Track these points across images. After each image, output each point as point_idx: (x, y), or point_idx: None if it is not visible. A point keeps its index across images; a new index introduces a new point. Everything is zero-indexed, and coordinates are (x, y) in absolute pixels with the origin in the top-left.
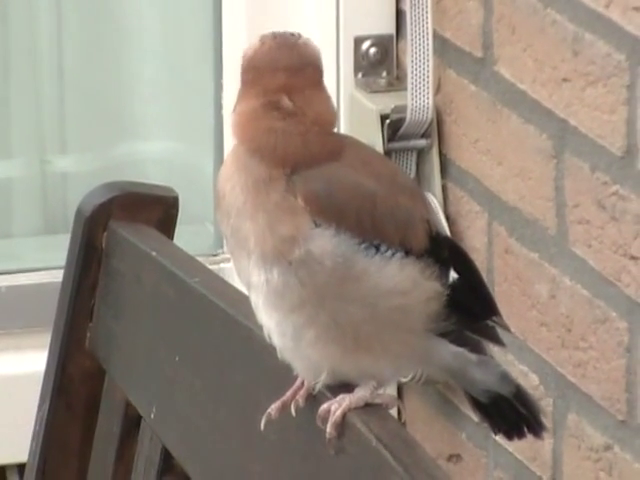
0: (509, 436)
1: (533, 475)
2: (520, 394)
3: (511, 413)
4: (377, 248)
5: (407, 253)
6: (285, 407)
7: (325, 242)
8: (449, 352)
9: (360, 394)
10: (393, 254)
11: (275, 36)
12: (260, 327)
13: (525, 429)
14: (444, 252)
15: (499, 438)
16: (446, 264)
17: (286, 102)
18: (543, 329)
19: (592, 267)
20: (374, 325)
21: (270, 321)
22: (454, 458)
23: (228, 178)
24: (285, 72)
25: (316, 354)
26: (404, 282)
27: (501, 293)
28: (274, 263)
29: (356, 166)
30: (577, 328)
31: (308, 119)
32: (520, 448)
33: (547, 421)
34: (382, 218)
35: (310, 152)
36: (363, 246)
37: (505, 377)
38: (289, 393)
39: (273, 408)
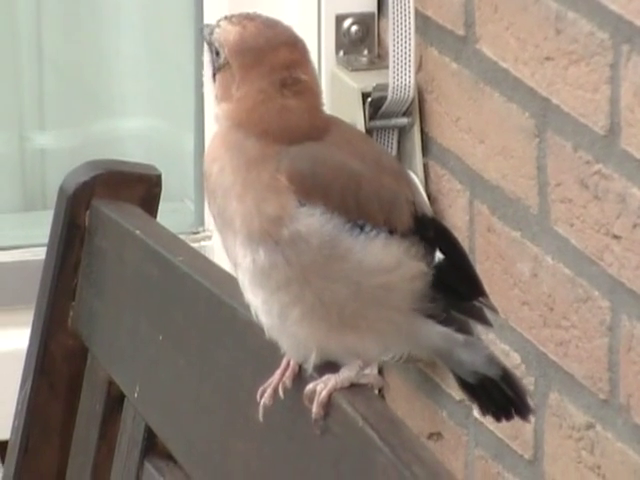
0: (497, 418)
1: (514, 453)
2: (507, 376)
3: (498, 395)
4: (361, 228)
5: (391, 233)
6: (276, 391)
7: (311, 221)
8: (435, 332)
9: (346, 374)
10: (377, 233)
11: (249, 17)
12: (245, 306)
13: (512, 411)
14: (429, 233)
15: (480, 416)
16: (432, 245)
17: (302, 76)
18: (525, 308)
19: (574, 246)
20: (359, 303)
21: (256, 300)
22: (435, 436)
23: (216, 158)
24: (286, 48)
25: (302, 332)
26: (388, 260)
27: (483, 272)
28: (260, 243)
29: (341, 146)
30: (559, 307)
31: (316, 95)
32: (501, 427)
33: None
34: (367, 198)
35: (313, 128)
36: (348, 225)
37: (492, 359)
38: (277, 376)
39: (266, 397)
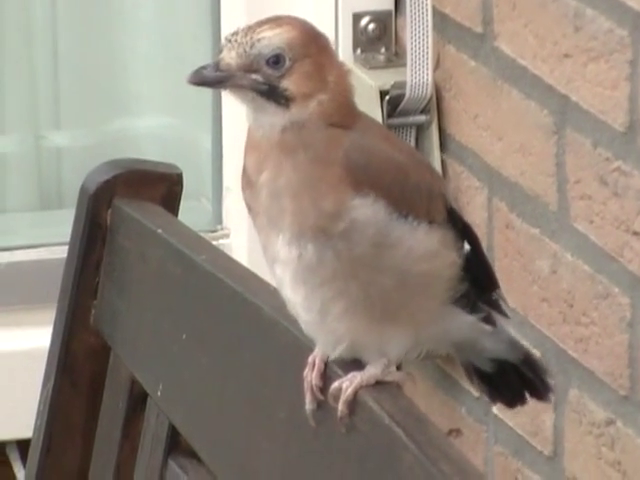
0: (510, 404)
1: (534, 450)
2: (528, 360)
3: (515, 379)
4: (405, 217)
5: (430, 223)
6: (313, 393)
7: (366, 211)
8: (466, 321)
9: (371, 372)
10: (419, 223)
11: (269, 20)
12: (270, 304)
13: (527, 394)
14: (459, 224)
15: (500, 412)
16: (460, 235)
17: None
18: (544, 305)
19: (594, 243)
20: (403, 293)
21: (296, 296)
22: (454, 433)
23: (266, 159)
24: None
25: (342, 327)
26: (431, 248)
27: (502, 269)
28: (311, 239)
29: (382, 138)
30: (579, 304)
31: None
32: (521, 423)
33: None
34: (411, 190)
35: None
36: (395, 215)
37: (514, 344)
38: (308, 378)
39: (308, 404)
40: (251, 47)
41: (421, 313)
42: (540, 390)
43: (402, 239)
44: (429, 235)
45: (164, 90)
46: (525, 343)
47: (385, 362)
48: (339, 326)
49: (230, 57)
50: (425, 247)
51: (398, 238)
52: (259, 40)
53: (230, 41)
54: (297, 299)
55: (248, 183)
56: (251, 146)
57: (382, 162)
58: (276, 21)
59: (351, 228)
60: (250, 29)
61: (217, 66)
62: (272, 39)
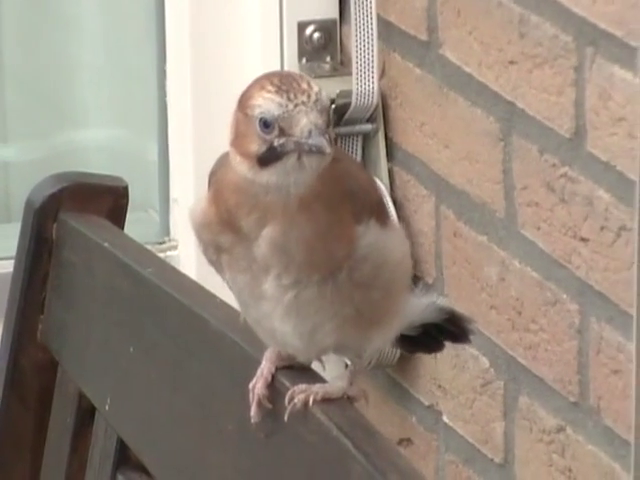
0: (429, 352)
1: (485, 458)
2: (451, 318)
3: (437, 333)
4: (385, 229)
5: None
6: (259, 404)
7: (369, 236)
8: (421, 302)
9: (338, 385)
10: (391, 229)
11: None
12: (217, 317)
13: (444, 342)
14: None
15: (450, 421)
16: None
17: None
18: (493, 312)
19: (542, 249)
20: (388, 298)
21: (285, 326)
22: (404, 442)
23: (270, 213)
24: None
25: (329, 340)
26: (405, 247)
27: (450, 276)
28: (316, 281)
29: (343, 155)
30: (527, 311)
31: None
32: (471, 431)
33: (498, 403)
34: (380, 201)
35: None
36: (381, 229)
37: (441, 309)
38: (256, 390)
39: (253, 415)
40: (320, 101)
41: (399, 309)
42: (459, 336)
43: (392, 250)
44: (400, 236)
45: (110, 102)
46: (474, 351)
47: (349, 376)
48: (327, 340)
49: (316, 118)
50: (402, 249)
51: (390, 251)
52: (319, 92)
53: (298, 104)
54: (286, 329)
55: (231, 229)
56: (246, 201)
57: (360, 180)
58: (300, 75)
59: (358, 259)
60: (295, 85)
61: (322, 134)
62: (321, 90)
